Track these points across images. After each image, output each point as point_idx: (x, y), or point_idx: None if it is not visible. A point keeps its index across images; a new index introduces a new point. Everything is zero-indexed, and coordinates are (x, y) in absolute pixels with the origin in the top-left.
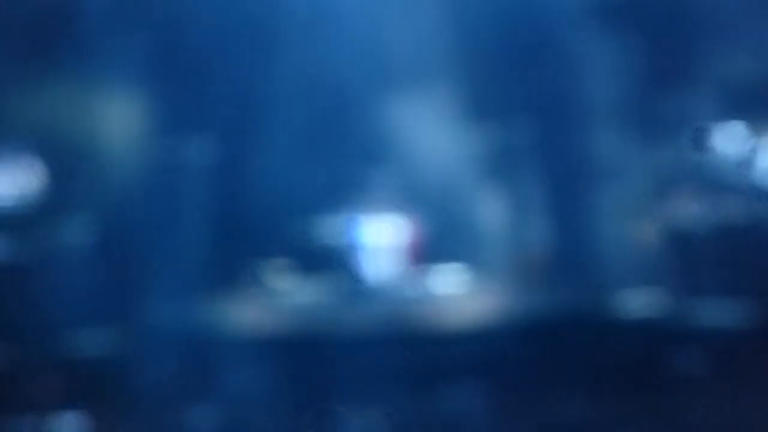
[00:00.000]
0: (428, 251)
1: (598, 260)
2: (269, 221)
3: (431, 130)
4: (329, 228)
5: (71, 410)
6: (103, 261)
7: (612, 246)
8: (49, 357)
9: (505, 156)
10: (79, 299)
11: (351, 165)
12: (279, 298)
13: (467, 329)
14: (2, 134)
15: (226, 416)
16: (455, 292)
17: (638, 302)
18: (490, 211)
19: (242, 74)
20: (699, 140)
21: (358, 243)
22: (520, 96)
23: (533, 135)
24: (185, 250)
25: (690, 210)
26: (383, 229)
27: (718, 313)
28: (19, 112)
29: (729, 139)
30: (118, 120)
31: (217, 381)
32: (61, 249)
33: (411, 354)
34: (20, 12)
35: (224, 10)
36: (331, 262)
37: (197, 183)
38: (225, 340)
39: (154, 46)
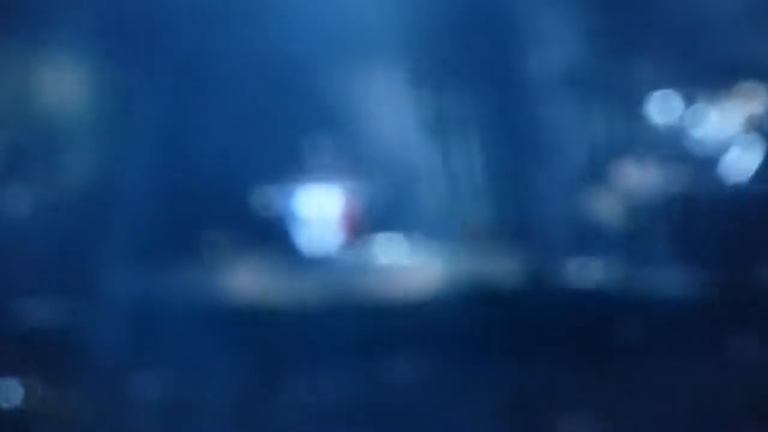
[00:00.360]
0: (368, 221)
1: (543, 229)
2: (211, 191)
3: (373, 99)
4: (269, 198)
5: (23, 378)
6: (53, 232)
7: (557, 215)
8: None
9: (450, 125)
10: (31, 270)
11: (291, 135)
12: (220, 268)
13: (410, 300)
14: None
15: (171, 385)
16: (396, 263)
17: (585, 271)
18: (433, 180)
19: (189, 45)
20: (644, 110)
21: (298, 213)
22: (465, 65)
23: (479, 104)
24: (131, 220)
25: (636, 179)
26: (322, 200)
27: (664, 282)
28: None
29: (674, 110)
30: (66, 89)
31: (162, 351)
32: (9, 220)
33: (352, 325)
34: None
35: None
36: (271, 232)
37: (143, 153)
38: (170, 309)
39: (104, 13)
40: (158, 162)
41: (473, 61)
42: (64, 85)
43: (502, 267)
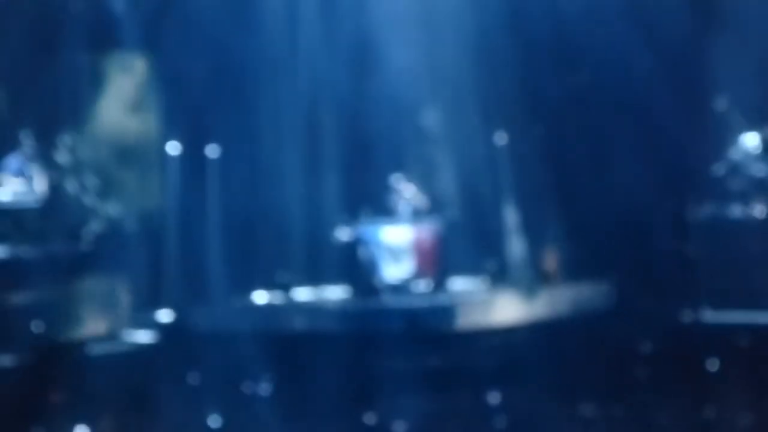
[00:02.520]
0: (444, 256)
1: (621, 265)
2: (290, 227)
3: (448, 140)
4: (350, 235)
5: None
6: (135, 256)
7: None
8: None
9: (523, 163)
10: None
11: (370, 174)
12: (300, 301)
13: (486, 334)
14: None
15: (244, 416)
16: (476, 298)
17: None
18: (509, 217)
19: (266, 85)
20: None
21: (377, 250)
22: (538, 105)
23: (549, 143)
24: (209, 253)
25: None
26: (399, 236)
27: None
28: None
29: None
30: (135, 127)
31: (239, 379)
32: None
33: (431, 357)
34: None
35: (251, 30)
36: (351, 268)
37: (222, 190)
38: (250, 338)
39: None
40: (241, 203)
41: (546, 101)
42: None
43: (584, 306)
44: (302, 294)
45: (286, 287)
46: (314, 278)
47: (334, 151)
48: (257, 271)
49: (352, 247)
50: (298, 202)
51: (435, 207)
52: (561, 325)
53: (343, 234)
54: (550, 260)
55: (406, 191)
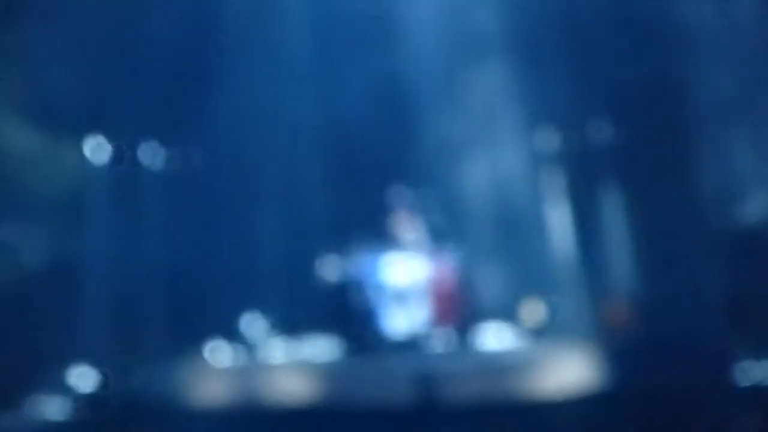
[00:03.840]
0: (468, 297)
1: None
2: (261, 261)
3: (475, 146)
4: (339, 271)
5: None
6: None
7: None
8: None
9: (578, 175)
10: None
11: (368, 190)
12: (272, 362)
13: (535, 408)
14: None
15: None
16: (515, 357)
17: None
18: (558, 248)
19: (232, 75)
20: None
21: (377, 291)
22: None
23: (615, 148)
24: (150, 296)
25: None
26: (408, 271)
27: None
28: None
29: None
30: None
31: None
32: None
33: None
34: None
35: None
36: (341, 316)
37: (167, 210)
38: (202, 412)
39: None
40: (194, 230)
41: (611, 95)
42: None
43: (646, 363)
44: (275, 352)
45: (252, 343)
46: (291, 330)
47: (319, 163)
48: (214, 322)
49: (342, 287)
50: (272, 228)
51: (456, 233)
52: (635, 395)
53: (330, 270)
54: (617, 305)
55: (416, 212)
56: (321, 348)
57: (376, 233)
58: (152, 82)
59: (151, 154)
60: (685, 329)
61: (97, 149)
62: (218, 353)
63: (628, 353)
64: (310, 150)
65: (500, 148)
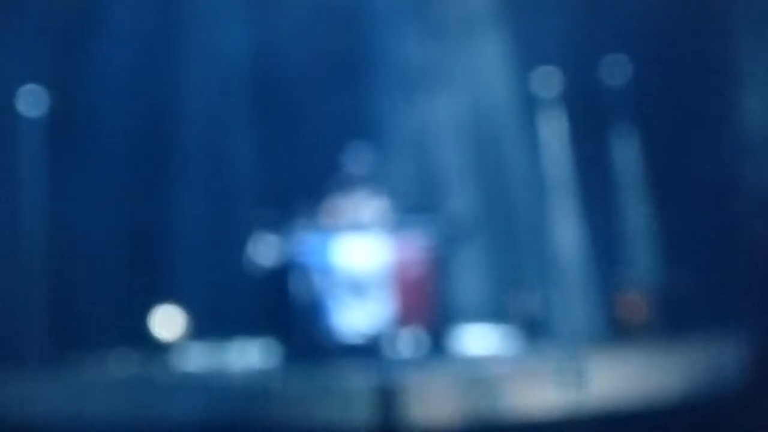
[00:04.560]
0: (448, 296)
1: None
2: (178, 242)
3: (451, 103)
4: (279, 254)
5: None
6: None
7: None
8: None
9: (582, 144)
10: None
11: (318, 152)
12: (190, 369)
13: (518, 425)
14: None
15: None
16: (503, 365)
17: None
18: (557, 231)
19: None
20: None
21: (328, 280)
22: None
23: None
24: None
25: None
26: (369, 256)
27: None
28: None
29: None
30: None
31: None
32: None
33: None
34: None
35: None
36: (281, 312)
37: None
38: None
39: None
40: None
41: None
42: None
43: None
44: (192, 358)
45: (162, 346)
46: (216, 330)
47: (253, 115)
48: (111, 319)
49: (280, 274)
50: (191, 199)
51: (428, 206)
52: (652, 411)
53: (265, 252)
54: (631, 302)
55: (376, 179)
56: (252, 353)
57: (325, 206)
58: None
59: (33, 101)
60: (714, 325)
61: None
62: (118, 360)
63: (648, 358)
64: (242, 99)
65: (487, 94)
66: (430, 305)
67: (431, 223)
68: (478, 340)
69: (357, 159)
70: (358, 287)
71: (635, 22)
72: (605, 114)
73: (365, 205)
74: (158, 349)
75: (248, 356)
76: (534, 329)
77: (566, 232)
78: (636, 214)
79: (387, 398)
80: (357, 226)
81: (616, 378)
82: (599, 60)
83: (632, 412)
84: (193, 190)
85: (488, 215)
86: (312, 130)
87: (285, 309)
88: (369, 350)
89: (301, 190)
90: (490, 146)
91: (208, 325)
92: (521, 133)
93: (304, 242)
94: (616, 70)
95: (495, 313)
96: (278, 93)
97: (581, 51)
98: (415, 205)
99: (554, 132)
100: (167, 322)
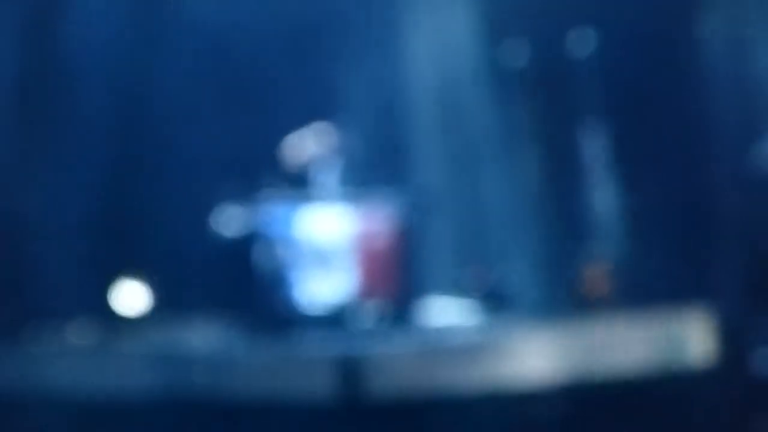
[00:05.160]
0: (406, 259)
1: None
2: (132, 210)
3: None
4: (240, 224)
5: None
6: None
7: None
8: None
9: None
10: None
11: (280, 118)
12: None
13: (493, 401)
14: None
15: None
16: (467, 336)
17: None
18: (518, 198)
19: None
20: None
21: (290, 250)
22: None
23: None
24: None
25: None
26: (333, 226)
27: None
28: None
29: None
30: None
31: None
32: None
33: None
34: None
35: None
36: (242, 284)
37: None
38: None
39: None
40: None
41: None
42: None
43: (634, 345)
44: (156, 328)
45: (120, 319)
46: (178, 301)
47: (213, 80)
48: (65, 289)
49: (243, 245)
50: (149, 166)
51: (393, 173)
52: (618, 384)
53: (228, 222)
54: (595, 273)
55: (340, 145)
56: (214, 324)
57: (287, 175)
58: None
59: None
60: (680, 299)
61: None
62: (77, 331)
63: (610, 332)
64: (208, 67)
65: (452, 62)
66: (394, 277)
67: (396, 195)
68: (442, 312)
69: (321, 128)
70: (321, 258)
71: None
72: (571, 87)
73: (328, 174)
74: (119, 320)
75: (211, 328)
76: (498, 302)
77: (530, 204)
78: (601, 186)
79: (351, 370)
80: (321, 197)
81: (579, 351)
82: (567, 32)
83: (595, 386)
84: (156, 160)
85: (453, 187)
86: (277, 100)
87: (248, 280)
88: (333, 322)
89: (266, 160)
90: (457, 118)
91: (171, 295)
92: (488, 104)
93: (268, 213)
94: (583, 43)
95: (459, 285)
96: (245, 63)
97: (549, 23)
98: (379, 176)
99: (520, 104)
100: (129, 293)
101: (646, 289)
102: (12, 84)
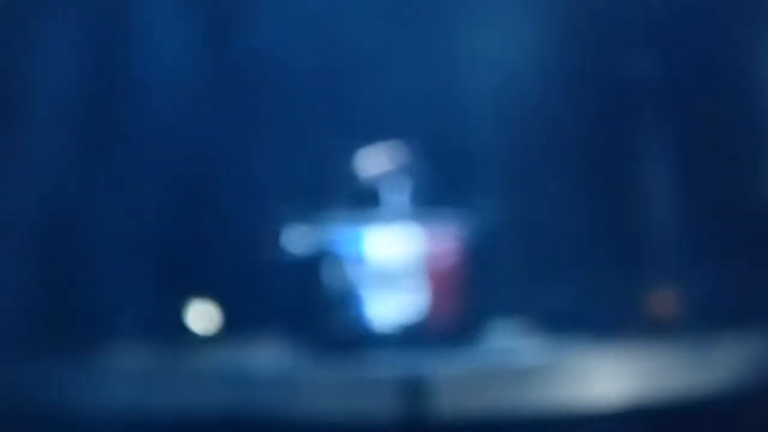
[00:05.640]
0: (474, 285)
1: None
2: (189, 231)
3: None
4: (304, 244)
5: None
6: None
7: None
8: None
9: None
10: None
11: (344, 142)
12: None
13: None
14: None
15: None
16: (538, 359)
17: None
18: (592, 222)
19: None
20: None
21: (356, 270)
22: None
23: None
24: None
25: None
26: (400, 245)
27: None
28: None
29: None
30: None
31: None
32: None
33: None
34: None
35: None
36: (305, 304)
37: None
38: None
39: None
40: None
41: None
42: None
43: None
44: (224, 349)
45: (193, 337)
46: (241, 323)
47: (280, 100)
48: (141, 308)
49: (311, 265)
50: (225, 191)
51: (460, 196)
52: (683, 408)
53: (295, 242)
54: (662, 295)
55: (407, 166)
56: (281, 345)
57: (355, 194)
58: None
59: None
60: (749, 323)
61: None
62: (144, 350)
63: (677, 354)
64: (266, 77)
65: (522, 81)
66: (461, 297)
67: (464, 215)
68: (508, 333)
69: (391, 148)
70: (388, 278)
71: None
72: (639, 104)
73: (395, 195)
74: (188, 340)
75: (278, 348)
76: (563, 323)
77: (597, 223)
78: (669, 206)
79: (416, 390)
80: (389, 217)
81: (645, 374)
82: (632, 47)
83: (661, 409)
84: (223, 180)
85: (519, 207)
86: (345, 117)
87: (315, 300)
88: (399, 342)
89: (333, 179)
90: (523, 137)
91: (238, 315)
92: (551, 117)
93: (335, 233)
94: (650, 58)
95: (525, 306)
96: (311, 79)
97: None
98: (447, 195)
99: (584, 115)
100: (197, 313)
101: (714, 311)
102: (77, 103)
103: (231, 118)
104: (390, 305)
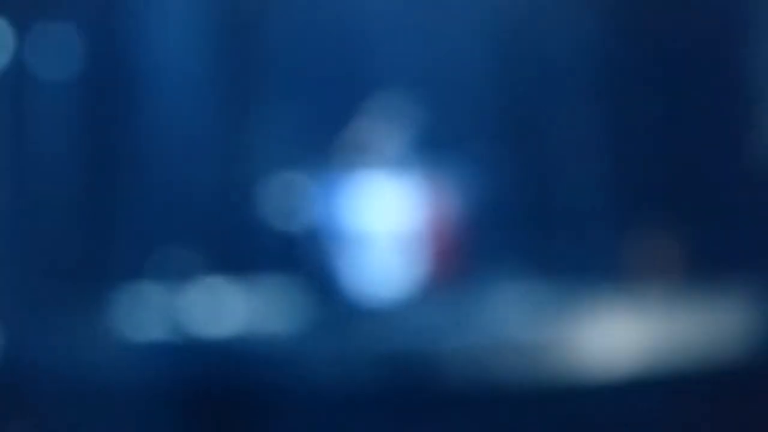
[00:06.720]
0: (473, 241)
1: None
2: (187, 188)
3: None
4: (296, 193)
5: None
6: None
7: None
8: None
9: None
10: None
11: (337, 87)
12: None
13: (571, 392)
14: None
15: None
16: (521, 316)
17: None
18: (583, 172)
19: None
20: None
21: (347, 231)
22: None
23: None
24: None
25: None
26: (392, 205)
27: None
28: None
29: None
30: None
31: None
32: None
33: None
34: None
35: None
36: (301, 263)
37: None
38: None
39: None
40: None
41: None
42: None
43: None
44: (218, 321)
45: (175, 305)
46: (242, 289)
47: (260, 52)
48: (119, 270)
49: (309, 236)
50: (201, 139)
51: (461, 159)
52: (694, 369)
53: (279, 203)
54: (666, 250)
55: (402, 115)
56: (278, 315)
57: (344, 150)
58: None
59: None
60: (744, 280)
61: None
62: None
63: (684, 315)
64: (262, 34)
65: (528, 45)
66: (460, 261)
67: (465, 178)
68: (511, 300)
69: (379, 98)
70: (389, 242)
71: None
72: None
73: (389, 148)
74: (177, 319)
75: (274, 319)
76: (565, 284)
77: (599, 184)
78: (659, 161)
79: (412, 364)
80: (377, 173)
81: (650, 336)
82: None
83: (669, 370)
84: (223, 133)
85: (517, 162)
86: (336, 72)
87: (301, 266)
88: (392, 313)
89: (332, 140)
90: (525, 98)
91: (234, 284)
92: (553, 79)
93: (322, 191)
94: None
95: (527, 269)
96: (313, 38)
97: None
98: (448, 158)
99: (584, 79)
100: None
101: (719, 267)
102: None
103: (231, 68)
104: (390, 270)
